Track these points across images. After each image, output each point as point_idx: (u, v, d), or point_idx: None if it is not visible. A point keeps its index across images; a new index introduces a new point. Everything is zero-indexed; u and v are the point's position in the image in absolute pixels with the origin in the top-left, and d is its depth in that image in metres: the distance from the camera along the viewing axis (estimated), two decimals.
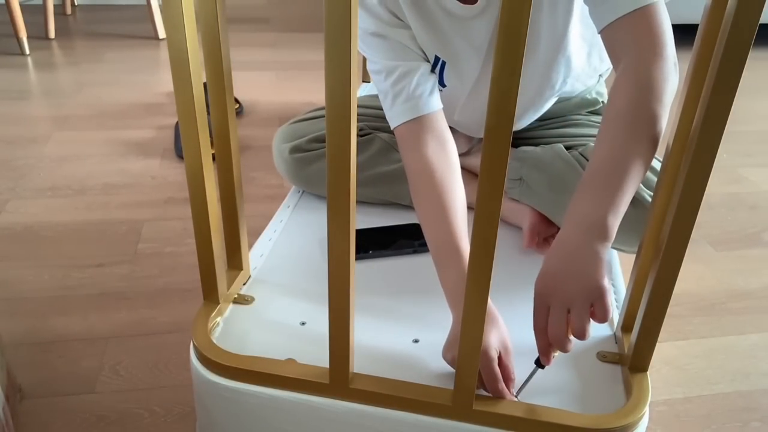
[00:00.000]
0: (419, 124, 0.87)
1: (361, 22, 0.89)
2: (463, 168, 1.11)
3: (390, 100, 0.89)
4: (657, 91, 0.67)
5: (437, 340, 0.74)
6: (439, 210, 0.81)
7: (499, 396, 0.66)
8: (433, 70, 0.93)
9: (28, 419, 0.87)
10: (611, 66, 0.82)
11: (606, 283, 0.63)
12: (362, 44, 0.91)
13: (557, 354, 0.67)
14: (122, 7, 3.18)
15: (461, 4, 0.85)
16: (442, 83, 0.96)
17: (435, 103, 0.89)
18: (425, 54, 0.92)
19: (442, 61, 0.93)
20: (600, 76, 1.06)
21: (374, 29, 0.89)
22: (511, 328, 0.71)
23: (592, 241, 0.64)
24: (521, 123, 1.04)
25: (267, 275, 0.89)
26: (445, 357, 0.72)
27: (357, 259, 0.85)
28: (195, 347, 0.72)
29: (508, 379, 0.68)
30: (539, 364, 0.68)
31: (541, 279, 0.66)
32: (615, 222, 0.65)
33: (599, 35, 0.75)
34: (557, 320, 0.64)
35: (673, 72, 0.69)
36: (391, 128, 0.90)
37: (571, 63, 0.92)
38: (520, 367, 0.69)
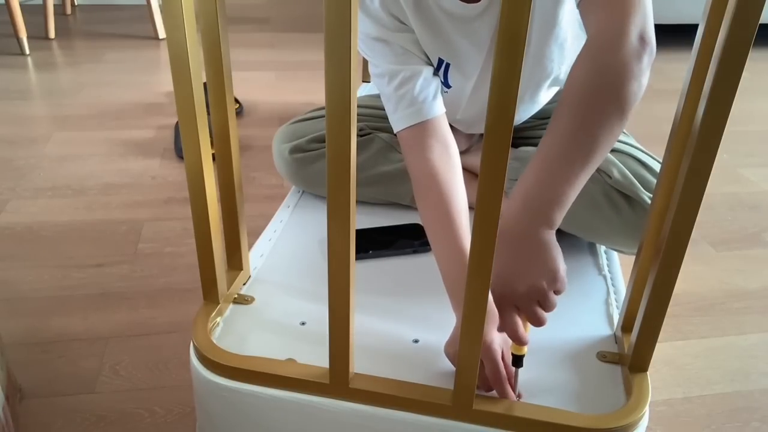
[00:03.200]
0: (423, 128, 0.87)
1: (364, 27, 0.89)
2: (462, 167, 1.11)
3: (393, 104, 0.89)
4: (613, 75, 0.63)
5: (437, 340, 0.74)
6: (445, 214, 0.81)
7: (501, 391, 0.66)
8: (436, 73, 0.93)
9: (28, 419, 0.87)
10: None
11: (563, 271, 0.63)
12: (365, 48, 0.91)
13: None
14: (122, 7, 3.18)
15: (464, 4, 0.85)
16: (447, 84, 0.96)
17: (438, 107, 0.89)
18: (428, 58, 0.92)
19: (446, 63, 0.93)
20: None
21: (377, 34, 0.89)
22: None
23: (539, 229, 0.63)
24: (519, 115, 1.04)
25: (267, 275, 0.89)
26: (446, 352, 0.73)
27: (357, 259, 0.85)
28: (195, 347, 0.72)
29: (510, 376, 0.68)
30: (515, 364, 0.68)
31: (499, 279, 0.64)
32: (560, 213, 0.63)
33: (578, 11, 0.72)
34: (536, 316, 0.64)
35: (634, 53, 0.63)
36: (395, 132, 0.90)
37: (564, 50, 0.91)
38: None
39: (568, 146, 0.64)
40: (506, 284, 0.64)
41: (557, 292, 0.64)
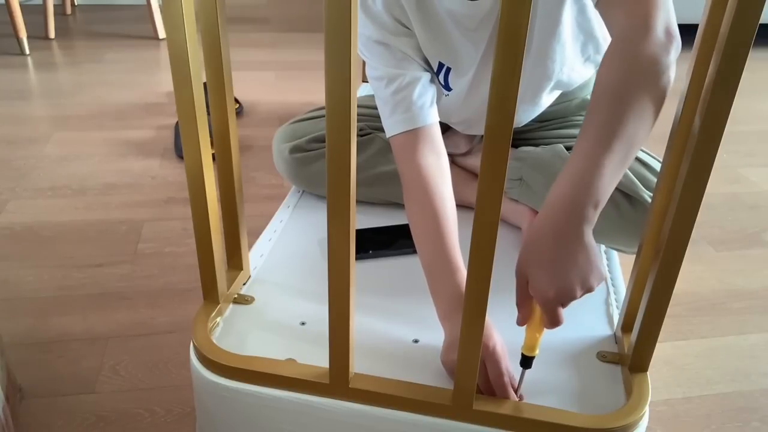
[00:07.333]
0: (418, 134, 0.87)
1: (365, 29, 0.89)
2: (463, 168, 1.11)
3: (390, 108, 0.88)
4: (643, 70, 0.63)
5: (437, 340, 0.74)
6: (435, 222, 0.81)
7: (504, 394, 0.66)
8: (437, 77, 0.93)
9: (28, 419, 0.87)
10: None
11: (604, 268, 0.63)
12: (364, 50, 0.91)
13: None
14: (122, 7, 3.18)
15: (471, 3, 0.84)
16: (447, 87, 0.96)
17: (434, 115, 0.89)
18: (427, 64, 0.92)
19: (447, 67, 0.93)
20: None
21: (377, 36, 0.89)
22: (509, 328, 0.71)
23: (582, 227, 0.62)
24: (520, 117, 1.04)
25: (267, 275, 0.89)
26: (443, 362, 0.72)
27: (357, 259, 0.85)
28: (195, 347, 0.72)
29: (512, 379, 0.68)
30: (524, 365, 0.68)
31: (545, 277, 0.63)
32: (599, 210, 0.63)
33: (597, 11, 0.72)
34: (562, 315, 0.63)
35: (662, 46, 0.64)
36: (388, 136, 0.90)
37: (566, 51, 0.91)
38: (517, 368, 0.69)
39: (605, 143, 0.63)
40: (558, 280, 0.62)
41: (590, 290, 0.63)
